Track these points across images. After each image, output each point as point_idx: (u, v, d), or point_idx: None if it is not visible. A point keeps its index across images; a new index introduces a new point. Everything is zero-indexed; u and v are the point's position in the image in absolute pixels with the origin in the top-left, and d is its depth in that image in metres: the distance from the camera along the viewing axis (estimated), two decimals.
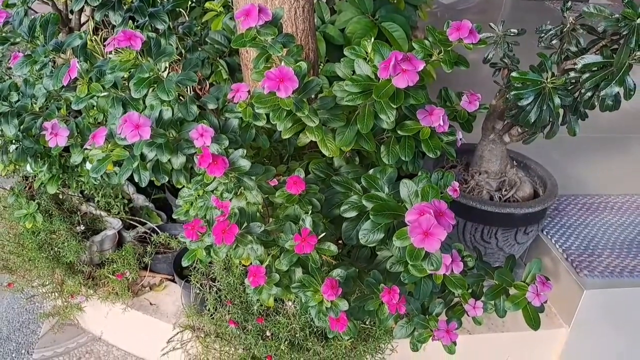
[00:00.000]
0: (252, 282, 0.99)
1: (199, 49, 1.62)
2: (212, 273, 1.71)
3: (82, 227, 1.84)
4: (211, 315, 1.61)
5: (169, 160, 1.13)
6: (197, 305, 1.68)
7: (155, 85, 1.07)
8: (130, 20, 1.58)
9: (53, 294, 1.86)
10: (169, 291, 1.90)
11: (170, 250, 1.96)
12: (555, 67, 1.56)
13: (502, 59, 1.72)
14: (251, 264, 1.20)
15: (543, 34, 1.60)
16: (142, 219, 2.03)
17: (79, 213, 1.90)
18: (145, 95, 1.13)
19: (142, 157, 1.11)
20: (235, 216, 0.96)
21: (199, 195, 1.55)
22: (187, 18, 2.09)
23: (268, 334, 1.46)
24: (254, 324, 1.48)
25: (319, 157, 1.52)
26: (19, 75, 1.59)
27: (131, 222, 2.00)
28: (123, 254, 1.81)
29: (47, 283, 1.83)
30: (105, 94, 1.13)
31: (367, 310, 1.08)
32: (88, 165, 1.60)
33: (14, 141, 1.41)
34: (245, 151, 1.00)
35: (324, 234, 0.98)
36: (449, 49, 1.27)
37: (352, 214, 1.07)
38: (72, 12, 2.75)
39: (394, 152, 1.29)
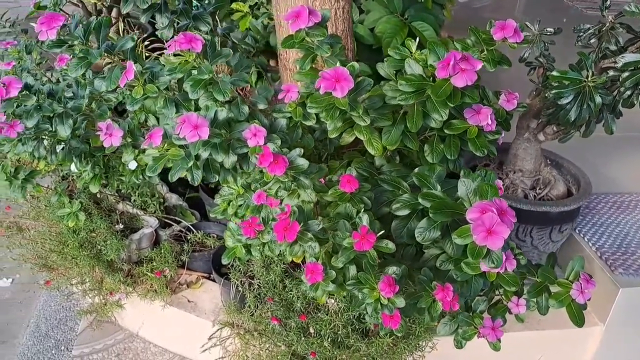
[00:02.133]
0: (310, 279, 1.01)
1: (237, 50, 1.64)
2: (250, 271, 1.73)
3: (121, 226, 1.88)
4: (252, 312, 1.63)
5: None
6: (237, 302, 1.70)
7: (211, 86, 1.09)
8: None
9: (92, 291, 1.89)
10: (206, 288, 1.92)
11: (206, 249, 1.98)
12: (592, 65, 1.57)
13: (537, 57, 1.72)
14: (302, 261, 1.22)
15: (582, 33, 1.60)
16: (176, 218, 2.06)
17: (117, 212, 1.93)
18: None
19: (196, 156, 1.14)
20: (295, 214, 0.97)
21: (239, 194, 1.57)
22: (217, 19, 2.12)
23: (311, 330, 1.48)
24: (297, 321, 1.50)
25: (358, 156, 1.54)
26: (61, 76, 1.62)
27: (166, 220, 2.03)
28: (162, 252, 1.83)
29: (87, 281, 1.87)
30: (155, 95, 1.15)
31: (419, 307, 1.10)
32: (131, 165, 1.63)
33: (61, 141, 1.43)
34: (302, 150, 1.02)
35: (382, 231, 1.00)
36: (493, 48, 1.28)
37: (404, 212, 1.08)
38: (100, 12, 2.79)
39: (437, 151, 1.30)
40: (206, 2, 1.51)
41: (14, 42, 1.82)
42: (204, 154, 1.10)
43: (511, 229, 0.87)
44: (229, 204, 1.69)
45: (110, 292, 1.89)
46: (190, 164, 1.11)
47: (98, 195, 1.96)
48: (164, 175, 1.45)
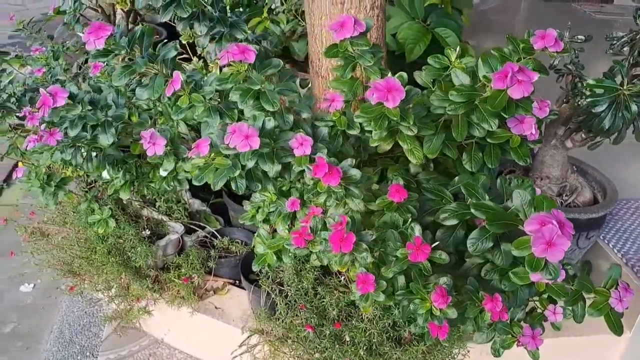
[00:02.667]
0: (362, 289, 1.01)
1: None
2: (280, 277, 1.73)
3: (148, 232, 1.87)
4: (283, 319, 1.63)
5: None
6: (267, 309, 1.70)
7: (259, 96, 1.09)
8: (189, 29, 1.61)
9: (118, 297, 1.89)
10: (232, 295, 1.92)
11: (231, 254, 1.98)
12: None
13: (566, 65, 1.73)
14: (346, 270, 1.22)
15: (615, 41, 1.61)
16: (200, 223, 2.06)
17: (144, 218, 1.93)
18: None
19: (242, 165, 1.14)
20: (349, 225, 0.98)
21: (272, 201, 1.57)
22: None
23: (347, 338, 1.48)
24: (331, 329, 1.49)
25: (391, 163, 1.54)
26: (94, 83, 1.62)
27: (191, 226, 2.03)
28: (190, 258, 1.83)
29: (114, 287, 1.86)
30: (201, 104, 1.15)
31: (467, 317, 1.10)
32: (162, 172, 1.63)
33: (97, 149, 1.43)
34: (353, 161, 1.02)
35: (437, 242, 1.00)
36: (532, 57, 1.28)
37: (452, 222, 1.08)
38: (109, 17, 2.79)
39: (476, 159, 1.30)
40: (240, 10, 1.51)
41: (42, 48, 1.81)
42: (250, 163, 1.10)
43: (570, 241, 0.87)
44: (257, 211, 1.69)
45: (137, 299, 1.88)
46: (237, 173, 1.11)
47: (124, 202, 1.96)
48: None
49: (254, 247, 1.89)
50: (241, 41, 1.48)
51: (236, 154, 1.08)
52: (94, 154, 1.48)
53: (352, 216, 1.03)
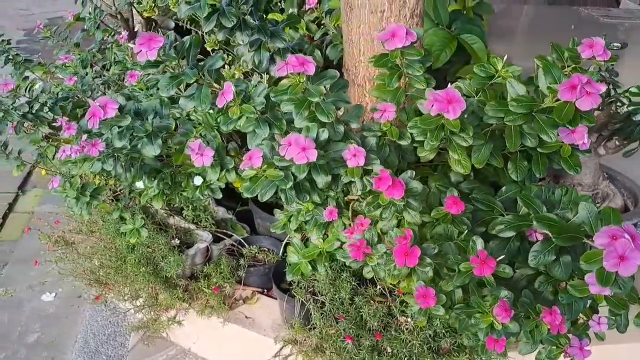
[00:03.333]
0: (422, 304, 1.00)
1: None
2: (313, 287, 1.71)
3: (177, 241, 1.86)
4: (320, 329, 1.61)
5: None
6: (301, 319, 1.69)
7: (314, 107, 1.08)
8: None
9: (146, 307, 1.87)
10: (262, 304, 1.90)
11: (259, 263, 1.97)
12: None
13: (600, 72, 1.72)
14: (398, 282, 1.21)
15: None
16: (227, 232, 2.04)
17: (172, 227, 1.91)
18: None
19: (294, 177, 1.12)
20: (414, 239, 0.96)
21: (308, 210, 1.55)
22: None
23: (389, 349, 1.46)
24: (371, 340, 1.48)
25: (430, 172, 1.53)
26: (129, 92, 1.61)
27: (218, 234, 2.01)
28: (221, 267, 1.81)
29: (143, 296, 1.84)
30: (253, 115, 1.13)
31: (524, 330, 1.09)
32: (196, 181, 1.62)
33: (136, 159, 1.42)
34: (413, 173, 1.01)
35: (502, 256, 0.99)
36: (578, 65, 1.28)
37: (509, 234, 1.07)
38: (132, 28, 2.78)
39: (521, 168, 1.30)
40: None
41: (70, 56, 1.80)
42: (300, 175, 1.09)
43: None
44: (289, 219, 1.68)
45: (165, 308, 1.86)
46: (289, 185, 1.10)
47: (151, 210, 1.95)
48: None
49: (286, 256, 1.89)
50: (283, 50, 1.47)
51: (289, 165, 1.07)
52: (131, 164, 1.48)
53: (412, 229, 1.01)
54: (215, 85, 1.22)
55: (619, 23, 5.05)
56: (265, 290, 1.98)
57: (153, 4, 2.09)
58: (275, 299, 1.95)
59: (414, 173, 1.03)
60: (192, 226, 1.99)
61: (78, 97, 1.74)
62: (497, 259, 0.98)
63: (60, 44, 2.03)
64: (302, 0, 2.72)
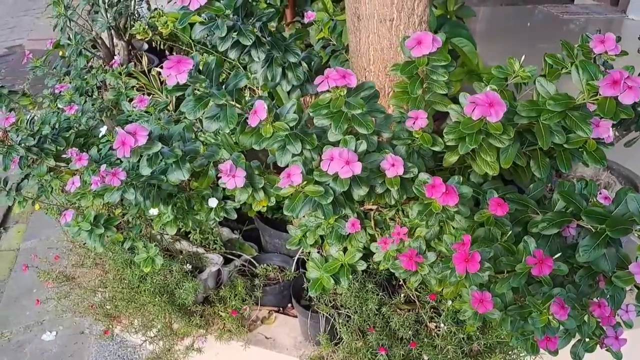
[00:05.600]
0: (480, 309, 0.99)
1: None
2: (334, 301, 1.69)
3: (189, 266, 1.81)
4: (347, 344, 1.59)
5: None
6: (326, 335, 1.66)
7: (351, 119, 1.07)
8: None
9: (162, 337, 1.81)
10: (280, 323, 1.87)
11: (273, 281, 1.94)
12: None
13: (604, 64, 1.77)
14: (441, 289, 1.20)
15: None
16: (236, 252, 2.00)
17: (182, 252, 1.86)
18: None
19: (334, 191, 1.11)
20: (476, 244, 0.96)
21: (328, 224, 1.54)
22: None
23: (425, 357, 1.45)
24: (406, 349, 1.47)
25: (448, 175, 1.54)
26: (137, 116, 1.56)
27: (226, 255, 1.97)
28: (237, 289, 1.77)
29: (158, 326, 1.79)
30: (286, 132, 1.12)
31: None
32: (211, 203, 1.58)
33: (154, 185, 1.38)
34: (461, 178, 1.01)
35: (559, 254, 0.99)
36: (589, 60, 1.31)
37: (552, 231, 1.08)
38: (113, 52, 2.72)
39: (544, 165, 1.32)
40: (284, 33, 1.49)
41: (66, 85, 1.74)
42: (343, 189, 1.08)
43: None
44: (304, 235, 1.66)
45: (181, 337, 1.81)
46: (330, 199, 1.08)
47: (158, 237, 1.89)
48: None
49: (300, 272, 1.86)
50: (295, 64, 1.46)
51: (326, 180, 1.05)
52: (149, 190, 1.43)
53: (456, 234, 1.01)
54: (237, 104, 1.20)
55: (576, 19, 5.23)
56: (281, 309, 1.95)
57: (146, 27, 2.05)
58: (293, 316, 1.93)
59: (461, 178, 1.03)
60: (201, 249, 1.94)
61: (77, 126, 1.68)
62: (554, 258, 0.98)
63: (51, 74, 1.96)
64: (282, 14, 2.73)
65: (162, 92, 2.38)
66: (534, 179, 1.38)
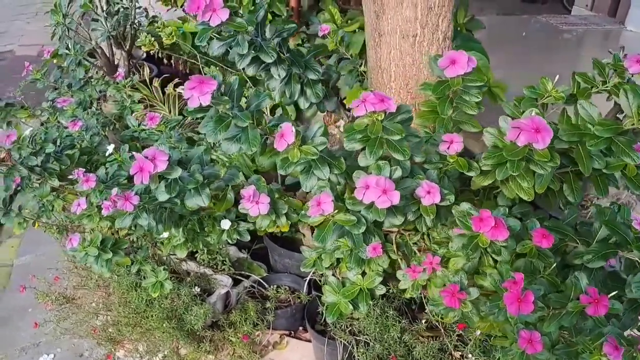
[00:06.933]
0: (529, 349, 0.92)
1: None
2: (350, 326, 1.62)
3: (198, 289, 1.73)
4: None
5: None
6: None
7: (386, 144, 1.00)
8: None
9: None
10: (292, 348, 1.80)
11: (284, 304, 1.86)
12: None
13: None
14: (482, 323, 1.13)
15: None
16: (245, 272, 1.93)
17: (191, 273, 1.78)
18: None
19: (366, 219, 1.04)
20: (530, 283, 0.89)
21: (347, 247, 1.47)
22: None
23: None
24: None
25: (472, 197, 1.48)
26: (147, 135, 1.48)
27: (235, 276, 1.89)
28: (247, 313, 1.69)
29: (165, 352, 1.70)
30: (315, 156, 1.05)
31: None
32: (224, 225, 1.51)
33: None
34: (507, 209, 0.95)
35: (615, 292, 0.93)
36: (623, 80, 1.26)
37: (599, 263, 1.02)
38: (116, 62, 2.64)
39: (577, 189, 1.26)
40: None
41: (70, 99, 1.65)
42: (380, 218, 1.01)
43: None
44: (319, 257, 1.59)
45: None
46: (363, 229, 1.01)
47: (165, 259, 1.81)
48: None
49: (312, 295, 1.79)
50: (314, 81, 1.39)
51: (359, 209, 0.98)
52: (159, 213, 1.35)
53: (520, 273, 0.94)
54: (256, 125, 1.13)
55: (575, 29, 5.23)
56: (292, 332, 1.87)
57: (153, 39, 1.97)
58: (305, 340, 1.85)
59: (507, 210, 0.97)
60: (209, 270, 1.86)
61: (80, 143, 1.60)
62: (609, 296, 0.92)
63: (52, 87, 1.87)
64: None
65: (164, 105, 2.30)
66: (562, 203, 1.33)
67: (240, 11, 1.11)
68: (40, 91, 2.14)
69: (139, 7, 2.64)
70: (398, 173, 1.01)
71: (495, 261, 1.11)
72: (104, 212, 1.16)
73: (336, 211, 1.01)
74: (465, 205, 0.99)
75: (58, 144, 1.52)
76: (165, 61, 3.10)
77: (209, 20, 1.08)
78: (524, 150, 0.97)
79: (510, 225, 0.96)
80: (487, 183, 1.19)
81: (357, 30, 2.21)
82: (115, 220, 1.42)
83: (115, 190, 1.17)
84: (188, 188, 1.07)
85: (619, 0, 5.23)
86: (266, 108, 1.96)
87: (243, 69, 1.23)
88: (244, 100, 1.11)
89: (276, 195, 1.23)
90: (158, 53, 2.91)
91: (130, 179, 1.37)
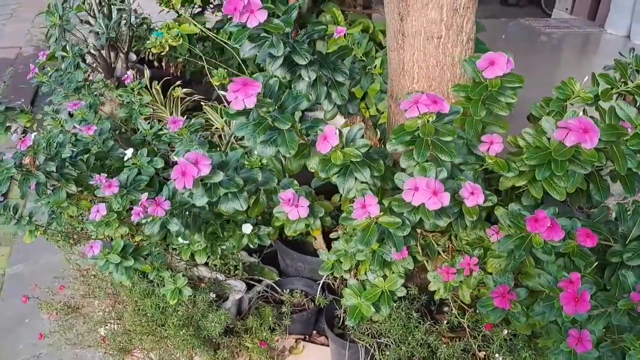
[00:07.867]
0: (579, 348, 0.93)
1: None
2: (370, 328, 1.61)
3: (213, 295, 1.69)
4: None
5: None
6: None
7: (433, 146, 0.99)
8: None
9: None
10: (308, 352, 1.78)
11: (298, 308, 1.84)
12: None
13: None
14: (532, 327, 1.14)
15: None
16: (257, 277, 1.90)
17: (200, 279, 1.74)
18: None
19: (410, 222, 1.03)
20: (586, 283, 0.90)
21: (372, 250, 1.46)
22: None
23: None
24: None
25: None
26: (167, 140, 1.45)
27: (248, 281, 1.87)
28: (263, 318, 1.67)
29: None
30: (359, 159, 1.04)
31: None
32: (245, 229, 1.48)
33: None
34: (556, 209, 0.95)
35: None
36: None
37: (638, 261, 1.04)
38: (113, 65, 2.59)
39: (603, 189, 1.28)
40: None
41: (79, 103, 1.61)
42: (429, 220, 1.00)
43: None
44: (338, 260, 1.59)
45: None
46: (407, 231, 1.01)
47: (174, 264, 1.77)
48: None
49: (334, 297, 1.77)
50: (340, 83, 1.38)
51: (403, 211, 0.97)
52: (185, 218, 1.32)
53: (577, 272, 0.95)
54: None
55: (555, 32, 5.33)
56: (307, 336, 1.85)
57: (163, 40, 1.93)
58: (321, 344, 1.83)
59: (556, 210, 0.97)
60: (221, 276, 1.83)
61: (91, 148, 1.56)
62: None
63: (59, 90, 1.82)
64: None
65: (165, 108, 2.26)
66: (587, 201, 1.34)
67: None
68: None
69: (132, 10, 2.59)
70: (443, 174, 1.01)
71: (536, 261, 1.12)
72: (134, 218, 1.13)
73: (381, 213, 1.00)
74: (513, 207, 0.99)
75: (75, 148, 1.48)
76: (155, 64, 3.05)
77: (246, 21, 1.06)
78: (571, 151, 0.98)
79: (562, 224, 0.97)
80: (521, 183, 1.20)
81: (360, 32, 2.21)
82: (130, 227, 1.39)
83: (144, 196, 1.14)
84: (226, 192, 1.04)
85: (599, 4, 5.35)
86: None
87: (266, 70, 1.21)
88: None
89: (310, 198, 1.21)
90: (148, 55, 2.86)
91: (149, 183, 1.34)
